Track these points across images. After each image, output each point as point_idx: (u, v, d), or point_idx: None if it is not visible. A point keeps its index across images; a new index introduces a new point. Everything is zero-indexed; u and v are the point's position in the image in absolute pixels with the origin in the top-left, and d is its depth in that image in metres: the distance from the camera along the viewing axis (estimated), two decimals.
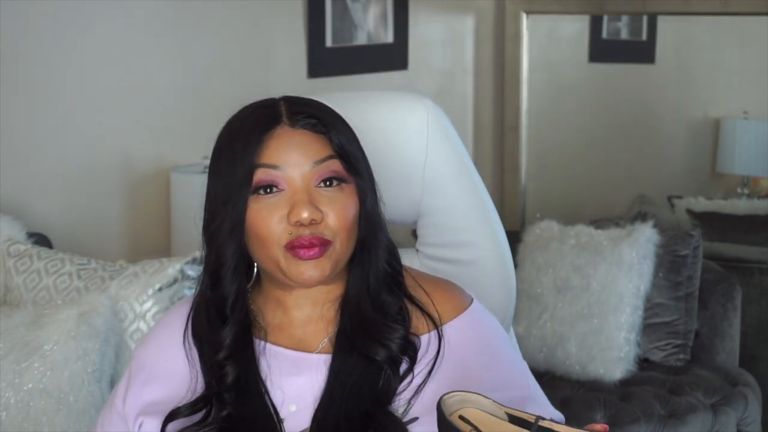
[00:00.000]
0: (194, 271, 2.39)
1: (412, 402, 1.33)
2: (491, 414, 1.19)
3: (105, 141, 2.99)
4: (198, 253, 2.43)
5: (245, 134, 1.36)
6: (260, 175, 1.33)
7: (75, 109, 2.91)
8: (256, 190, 1.34)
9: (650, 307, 3.16)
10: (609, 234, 3.17)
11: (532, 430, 1.16)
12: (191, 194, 2.93)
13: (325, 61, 3.58)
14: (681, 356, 3.19)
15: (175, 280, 2.35)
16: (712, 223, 4.01)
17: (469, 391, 1.20)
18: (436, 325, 1.38)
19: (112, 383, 2.27)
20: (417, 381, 1.34)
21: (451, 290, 1.44)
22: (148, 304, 2.31)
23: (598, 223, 3.50)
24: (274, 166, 1.33)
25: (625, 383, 3.06)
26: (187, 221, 2.93)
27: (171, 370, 1.42)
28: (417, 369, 1.35)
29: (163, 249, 3.07)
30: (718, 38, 4.39)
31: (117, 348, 2.27)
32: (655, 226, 3.17)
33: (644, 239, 3.12)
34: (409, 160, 1.46)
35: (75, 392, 2.13)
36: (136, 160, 3.06)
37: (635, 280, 3.09)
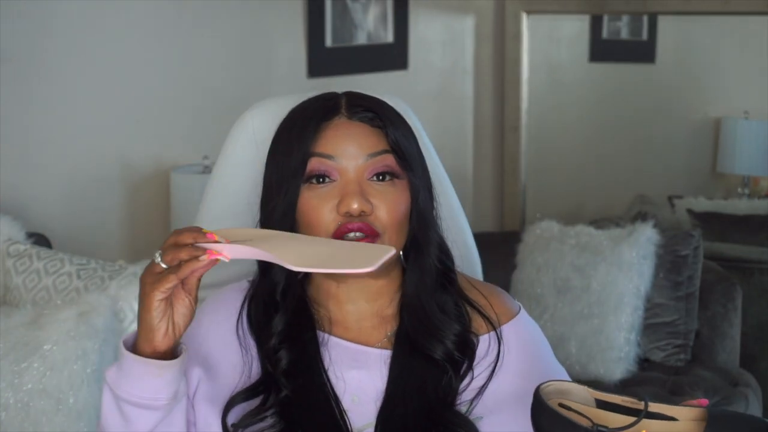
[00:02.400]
0: None
1: (474, 402, 1.34)
2: (585, 404, 1.21)
3: (105, 141, 2.99)
4: None
5: (303, 123, 1.36)
6: (314, 164, 1.34)
7: (75, 109, 2.91)
8: (309, 179, 1.34)
9: (650, 307, 3.16)
10: (609, 234, 3.17)
11: (640, 416, 1.17)
12: (191, 194, 2.93)
13: (325, 61, 3.58)
14: (681, 356, 3.19)
15: None
16: (713, 223, 4.01)
17: (560, 380, 1.21)
18: (495, 326, 1.39)
19: None
20: (478, 382, 1.35)
21: (503, 295, 1.46)
22: None
23: (598, 223, 3.50)
24: (328, 156, 1.34)
25: (625, 383, 3.06)
26: (187, 221, 2.94)
27: (221, 358, 1.40)
28: (477, 370, 1.36)
29: None
30: (718, 38, 4.38)
31: (116, 348, 2.27)
32: (655, 226, 3.17)
33: (644, 239, 3.12)
34: None
35: (74, 392, 2.13)
36: (136, 160, 3.05)
37: (635, 280, 3.08)
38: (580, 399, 1.21)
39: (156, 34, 3.11)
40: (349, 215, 1.32)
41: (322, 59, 3.57)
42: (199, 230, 1.20)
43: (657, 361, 3.19)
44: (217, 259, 1.18)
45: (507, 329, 1.40)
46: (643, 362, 3.17)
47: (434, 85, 4.11)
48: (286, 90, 3.31)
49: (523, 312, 1.45)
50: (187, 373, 1.36)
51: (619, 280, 3.07)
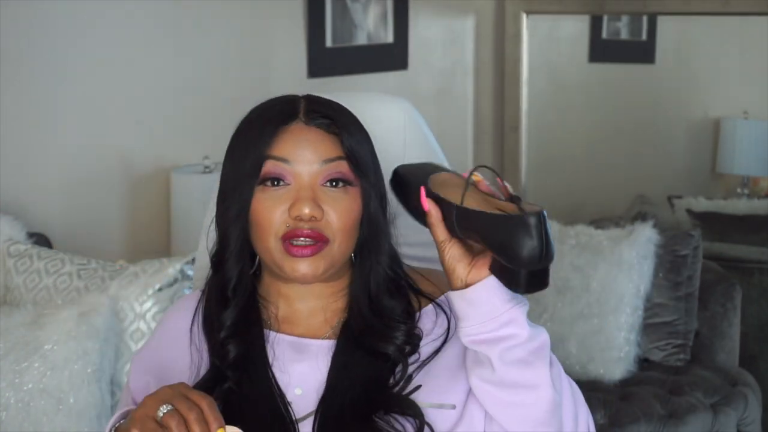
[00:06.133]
0: (194, 272, 2.39)
1: (414, 375, 1.36)
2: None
3: (105, 141, 2.99)
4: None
5: (260, 125, 1.39)
6: (269, 167, 1.36)
7: (75, 109, 2.91)
8: (263, 181, 1.37)
9: (650, 307, 3.16)
10: (609, 234, 3.17)
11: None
12: (191, 194, 2.93)
13: (325, 61, 3.58)
14: (681, 356, 3.19)
15: (175, 280, 2.35)
16: (712, 223, 4.01)
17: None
18: (431, 299, 1.43)
19: (112, 383, 2.27)
20: (422, 358, 1.38)
21: (439, 274, 1.47)
22: (148, 304, 2.31)
23: (598, 223, 3.50)
24: (283, 160, 1.36)
25: (625, 383, 3.06)
26: (187, 221, 2.94)
27: (173, 358, 1.44)
28: (423, 341, 1.39)
29: (163, 249, 3.07)
30: (718, 38, 4.39)
31: (117, 348, 2.27)
32: (655, 226, 3.17)
33: (644, 239, 3.12)
34: (387, 161, 1.48)
35: (75, 392, 2.14)
36: (136, 160, 3.06)
37: (635, 280, 3.09)
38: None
39: (156, 34, 3.11)
40: (299, 219, 1.34)
41: (322, 59, 3.57)
42: (213, 418, 1.20)
43: (656, 361, 3.19)
44: None
45: (444, 296, 1.43)
46: (643, 362, 3.17)
47: (434, 85, 4.11)
48: (286, 90, 3.30)
49: None
50: (136, 381, 1.43)
51: (618, 280, 3.07)
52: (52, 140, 2.86)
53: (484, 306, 1.29)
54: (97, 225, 2.99)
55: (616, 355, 3.06)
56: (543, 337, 1.32)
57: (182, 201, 2.95)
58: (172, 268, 2.35)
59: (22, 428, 2.11)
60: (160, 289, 2.33)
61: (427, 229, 1.52)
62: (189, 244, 2.87)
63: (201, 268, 1.70)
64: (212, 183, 3.02)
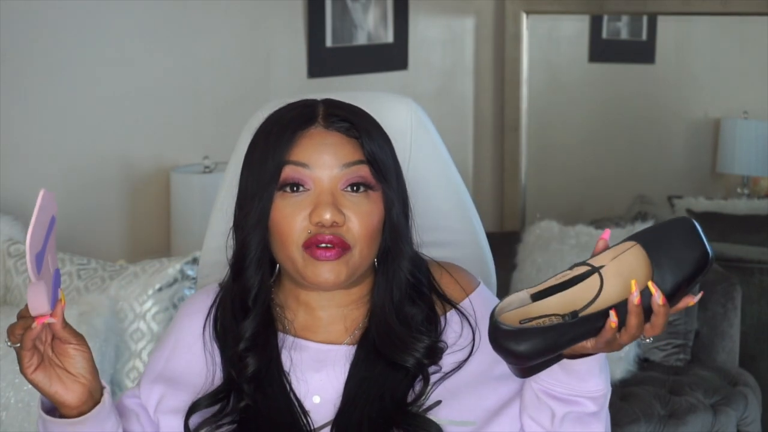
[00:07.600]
0: (194, 271, 2.39)
1: (434, 388, 1.34)
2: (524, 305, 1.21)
3: (105, 141, 2.99)
4: (198, 253, 2.44)
5: (279, 130, 1.36)
6: (288, 172, 1.34)
7: (75, 109, 2.91)
8: (282, 187, 1.34)
9: None
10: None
11: (599, 277, 1.22)
12: (191, 194, 2.93)
13: (325, 61, 3.58)
14: (681, 356, 3.19)
15: (175, 280, 2.35)
16: (713, 223, 4.01)
17: (498, 302, 1.22)
18: (456, 306, 1.40)
19: (112, 383, 2.27)
20: (446, 368, 1.36)
21: (461, 271, 1.46)
22: (148, 304, 2.31)
23: (598, 223, 3.50)
24: (303, 164, 1.34)
25: (625, 383, 3.06)
26: (187, 221, 2.94)
27: (186, 366, 1.42)
28: (445, 353, 1.36)
29: (163, 249, 3.07)
30: (718, 38, 4.38)
31: (117, 348, 2.27)
32: None
33: None
34: None
35: None
36: (136, 160, 3.06)
37: None
38: (520, 303, 1.21)
39: (156, 33, 3.11)
40: (320, 225, 1.32)
41: (322, 59, 3.57)
42: (28, 318, 1.26)
43: (657, 361, 3.19)
44: (46, 322, 1.26)
45: (465, 303, 1.41)
46: (643, 362, 3.17)
47: (434, 85, 4.11)
48: (286, 90, 3.31)
49: (482, 287, 1.45)
50: (146, 393, 1.41)
51: None
52: (52, 140, 2.86)
53: (575, 377, 1.27)
54: (97, 225, 2.99)
55: (616, 354, 3.06)
56: (606, 399, 1.31)
57: (182, 201, 2.95)
58: (172, 268, 2.35)
59: (22, 428, 2.11)
60: (160, 289, 2.33)
61: (438, 229, 1.51)
62: (189, 244, 2.87)
63: (205, 266, 1.68)
64: (212, 183, 3.03)
